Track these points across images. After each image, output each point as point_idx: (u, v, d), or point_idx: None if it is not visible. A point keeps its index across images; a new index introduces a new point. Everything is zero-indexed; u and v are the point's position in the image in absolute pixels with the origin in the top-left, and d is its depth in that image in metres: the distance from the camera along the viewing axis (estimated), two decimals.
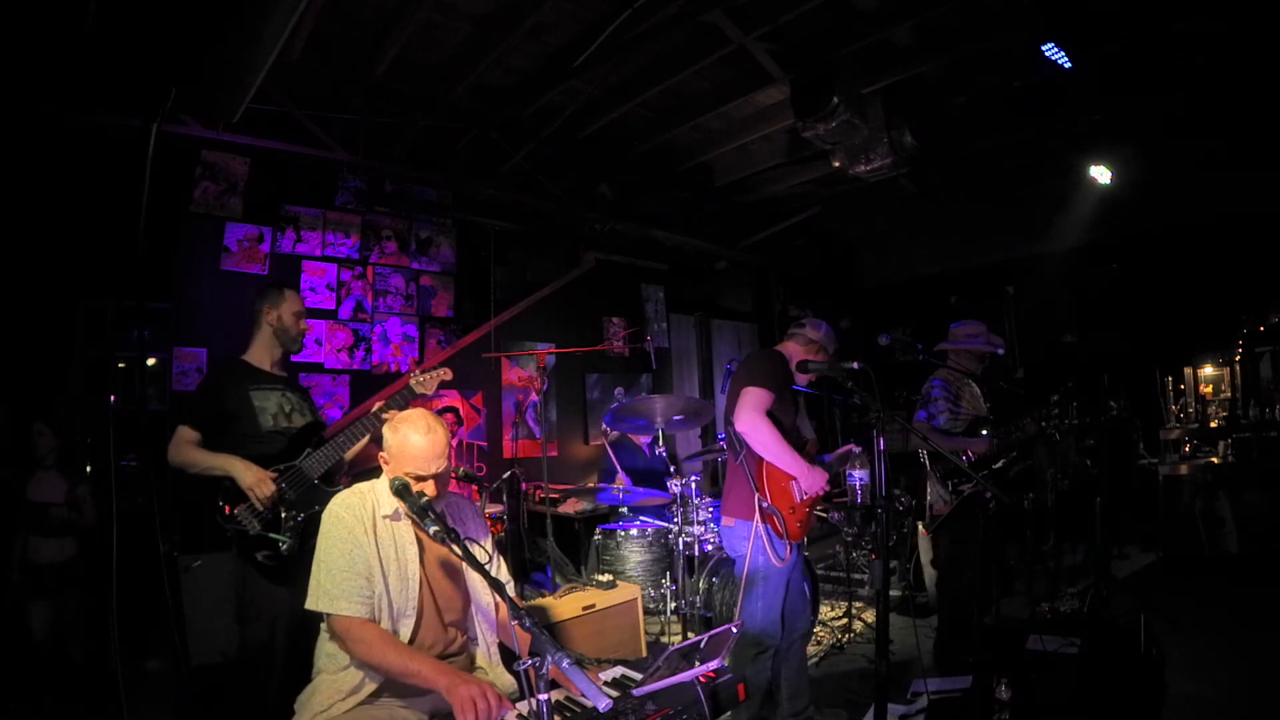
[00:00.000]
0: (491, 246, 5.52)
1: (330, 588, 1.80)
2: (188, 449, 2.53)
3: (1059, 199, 5.97)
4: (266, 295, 2.83)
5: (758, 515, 2.70)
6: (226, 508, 2.46)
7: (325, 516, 1.91)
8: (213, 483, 2.49)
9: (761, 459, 2.71)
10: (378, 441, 2.06)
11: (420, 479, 1.88)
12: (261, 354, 2.79)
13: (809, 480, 2.73)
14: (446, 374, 2.86)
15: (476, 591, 2.06)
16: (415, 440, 1.89)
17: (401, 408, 2.59)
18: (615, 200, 5.66)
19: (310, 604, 1.82)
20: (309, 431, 2.72)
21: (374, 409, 2.66)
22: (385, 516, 1.93)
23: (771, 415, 2.72)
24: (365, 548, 1.85)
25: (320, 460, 2.63)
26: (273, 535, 2.48)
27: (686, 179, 5.86)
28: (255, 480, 2.47)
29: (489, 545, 2.05)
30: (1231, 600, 4.39)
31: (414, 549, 1.94)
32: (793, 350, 2.99)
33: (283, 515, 2.52)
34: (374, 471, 2.05)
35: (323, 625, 1.89)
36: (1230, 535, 5.00)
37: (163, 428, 2.64)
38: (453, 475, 4.50)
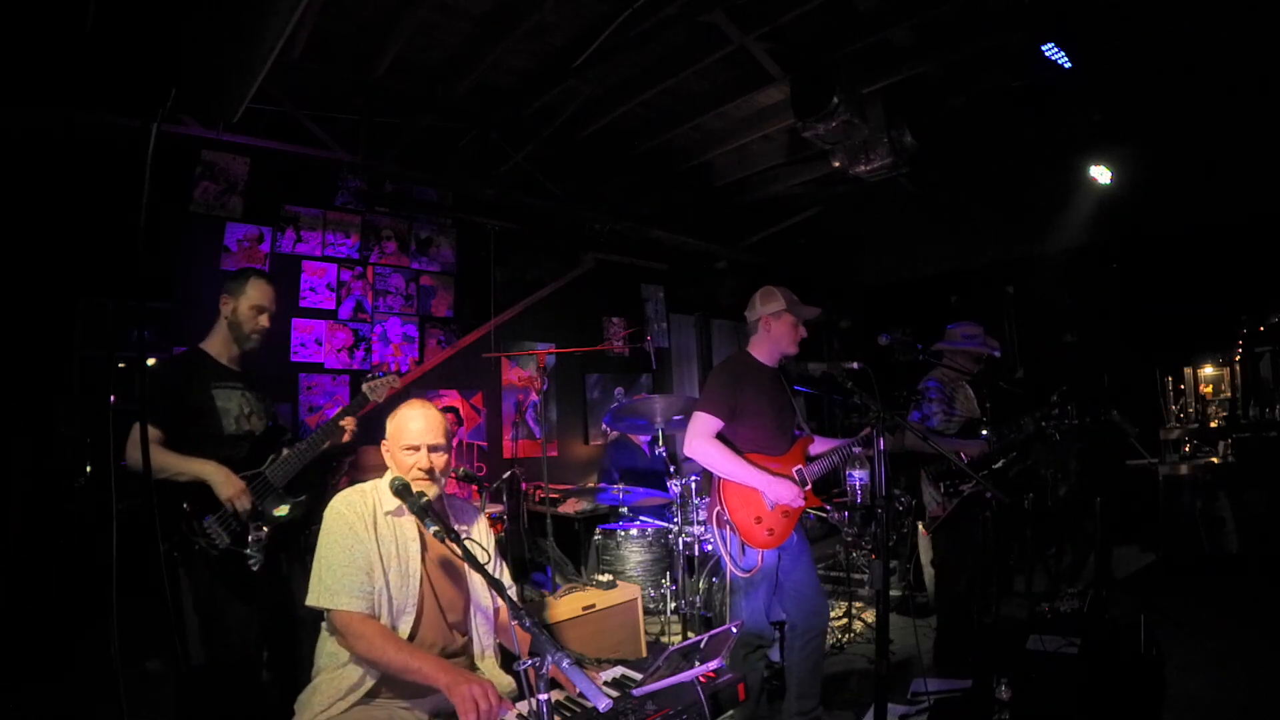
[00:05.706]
0: (491, 246, 5.52)
1: (331, 583, 1.81)
2: (152, 449, 2.27)
3: (1059, 199, 5.96)
4: (228, 283, 2.61)
5: (725, 524, 2.71)
6: (194, 518, 2.29)
7: (327, 513, 1.92)
8: (175, 489, 2.29)
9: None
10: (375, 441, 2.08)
11: (413, 449, 1.94)
12: (219, 347, 2.60)
13: (773, 492, 2.67)
14: (396, 382, 2.73)
15: (477, 593, 2.06)
16: (411, 418, 1.99)
17: (355, 414, 2.60)
18: (615, 200, 5.66)
19: (311, 600, 1.83)
20: (272, 436, 2.60)
21: (331, 416, 2.60)
22: (388, 513, 1.95)
23: (738, 426, 2.74)
24: (366, 543, 1.87)
25: (285, 469, 2.49)
26: (244, 551, 2.33)
27: (686, 179, 5.86)
28: (236, 492, 2.32)
29: (490, 546, 2.05)
30: (1231, 600, 4.38)
31: (416, 545, 1.96)
32: (762, 338, 2.97)
33: (249, 530, 2.37)
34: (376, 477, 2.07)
35: (324, 624, 1.89)
36: (1230, 535, 4.99)
37: None
38: (452, 475, 4.51)
